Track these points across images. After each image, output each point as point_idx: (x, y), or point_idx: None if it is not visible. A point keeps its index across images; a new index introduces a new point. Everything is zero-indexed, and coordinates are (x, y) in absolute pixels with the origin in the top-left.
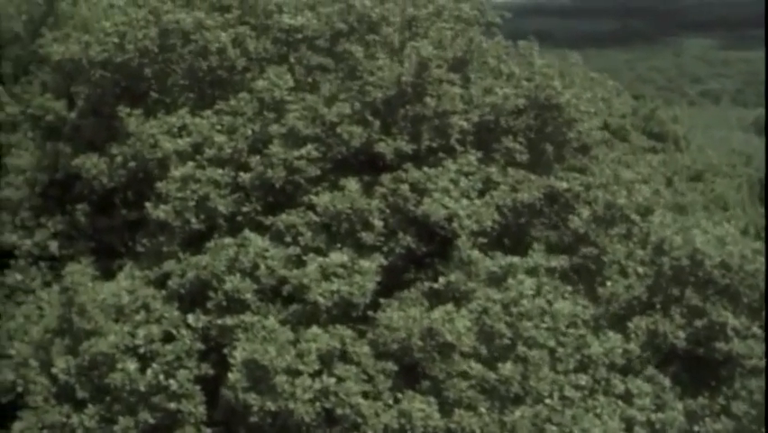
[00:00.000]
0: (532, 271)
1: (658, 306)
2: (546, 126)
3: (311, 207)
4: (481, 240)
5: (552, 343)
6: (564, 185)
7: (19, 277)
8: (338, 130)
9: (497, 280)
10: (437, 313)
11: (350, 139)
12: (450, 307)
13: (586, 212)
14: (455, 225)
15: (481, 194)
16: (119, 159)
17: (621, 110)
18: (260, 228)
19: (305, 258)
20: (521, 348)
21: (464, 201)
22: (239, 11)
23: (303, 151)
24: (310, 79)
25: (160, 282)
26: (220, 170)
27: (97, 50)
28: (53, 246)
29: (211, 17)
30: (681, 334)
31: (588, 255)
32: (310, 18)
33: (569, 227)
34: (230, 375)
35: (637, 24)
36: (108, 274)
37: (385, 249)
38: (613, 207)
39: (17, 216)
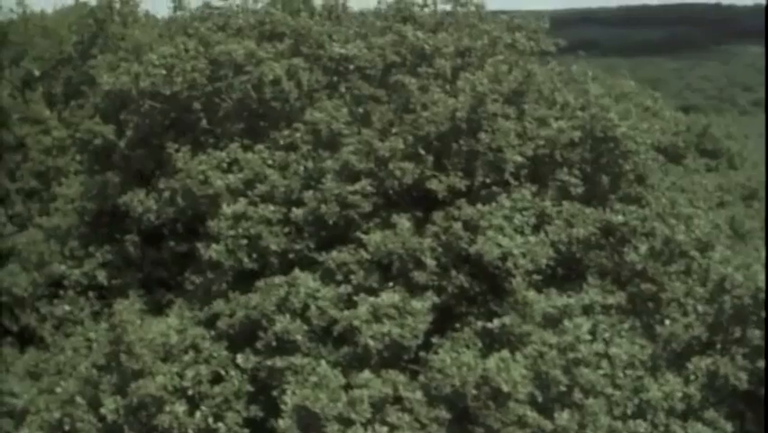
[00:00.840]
0: (587, 309)
1: (718, 345)
2: (602, 158)
3: (363, 243)
4: (536, 276)
5: (609, 389)
6: (620, 218)
7: (67, 308)
8: (390, 166)
9: (552, 322)
10: (492, 361)
11: (402, 175)
12: (505, 353)
13: (643, 247)
14: (509, 263)
15: (536, 229)
16: (167, 193)
17: (673, 127)
18: (311, 265)
19: (356, 298)
20: (577, 395)
21: (518, 238)
22: (291, 40)
23: (357, 186)
24: (362, 110)
25: (210, 322)
26: (272, 207)
27: (146, 82)
28: (102, 276)
29: (263, 48)
30: (743, 375)
31: (645, 292)
32: (362, 48)
33: (625, 262)
34: (280, 422)
35: (686, 32)
36: (157, 308)
37: (436, 286)
38: (671, 242)
39: (66, 245)
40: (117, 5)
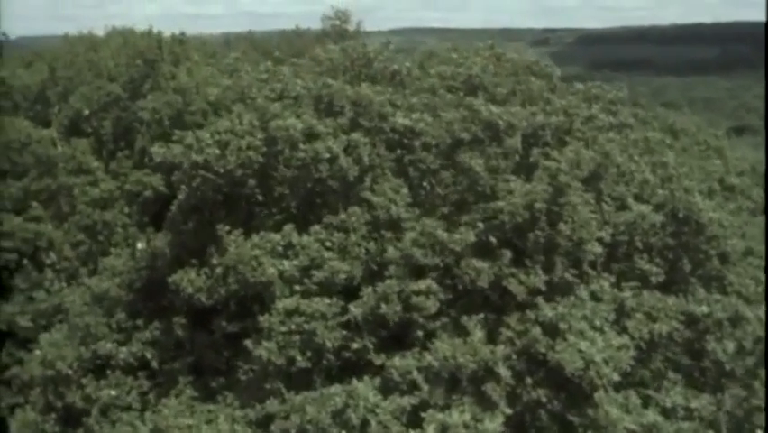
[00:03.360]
0: (669, 413)
1: None
2: (684, 242)
3: (427, 347)
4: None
5: None
6: (704, 309)
7: (114, 393)
8: (462, 263)
9: None
10: None
11: (477, 275)
12: None
13: (731, 345)
14: (592, 372)
15: (616, 323)
16: (219, 270)
17: (739, 166)
18: (369, 367)
19: (422, 414)
20: None
21: (600, 341)
22: (351, 112)
23: (422, 284)
24: (426, 184)
25: (262, 423)
26: (327, 300)
27: (199, 157)
28: (150, 354)
29: (322, 122)
30: None
31: (735, 397)
32: (430, 123)
33: (711, 360)
34: None
35: (740, 50)
36: (208, 395)
37: (510, 394)
38: (760, 342)
39: (113, 317)
40: (168, 42)
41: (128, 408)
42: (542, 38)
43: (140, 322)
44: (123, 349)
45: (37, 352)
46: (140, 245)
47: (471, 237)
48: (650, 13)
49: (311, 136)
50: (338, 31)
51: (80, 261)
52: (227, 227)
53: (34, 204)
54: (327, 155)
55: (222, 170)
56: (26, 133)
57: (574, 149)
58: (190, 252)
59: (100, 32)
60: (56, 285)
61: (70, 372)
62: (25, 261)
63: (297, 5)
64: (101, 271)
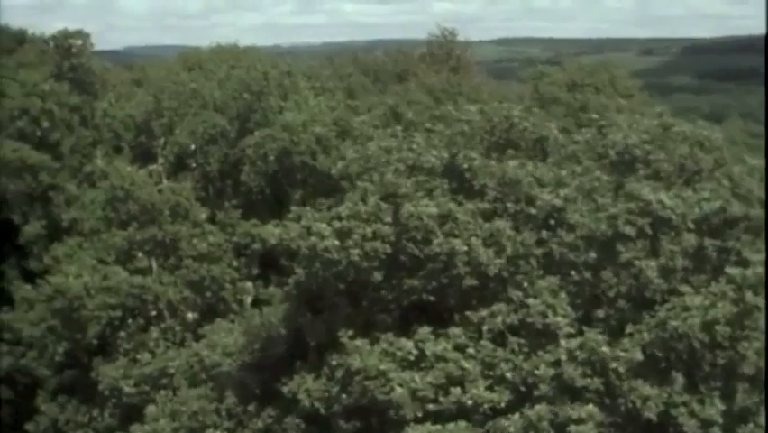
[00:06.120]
0: None
1: None
2: None
3: None
4: None
5: None
6: None
7: None
8: (624, 386)
9: None
10: None
11: (642, 404)
12: None
13: None
14: None
15: None
16: (340, 373)
17: None
18: None
19: None
20: None
21: None
22: (494, 192)
23: (582, 411)
24: (580, 280)
25: None
26: (465, 422)
27: (320, 246)
28: None
29: (462, 208)
30: None
31: None
32: (585, 213)
33: None
34: None
35: None
36: None
37: None
38: None
39: (223, 401)
40: (274, 74)
41: None
42: (646, 48)
43: (251, 408)
44: None
45: (146, 427)
46: (248, 299)
47: (638, 355)
48: (757, 22)
49: (446, 218)
50: (444, 48)
51: (186, 324)
52: (350, 332)
53: (139, 255)
54: (464, 249)
55: (344, 261)
56: (130, 179)
57: (756, 252)
58: (305, 345)
59: (205, 44)
60: (161, 347)
61: None
62: (130, 320)
63: (400, 15)
64: (208, 335)
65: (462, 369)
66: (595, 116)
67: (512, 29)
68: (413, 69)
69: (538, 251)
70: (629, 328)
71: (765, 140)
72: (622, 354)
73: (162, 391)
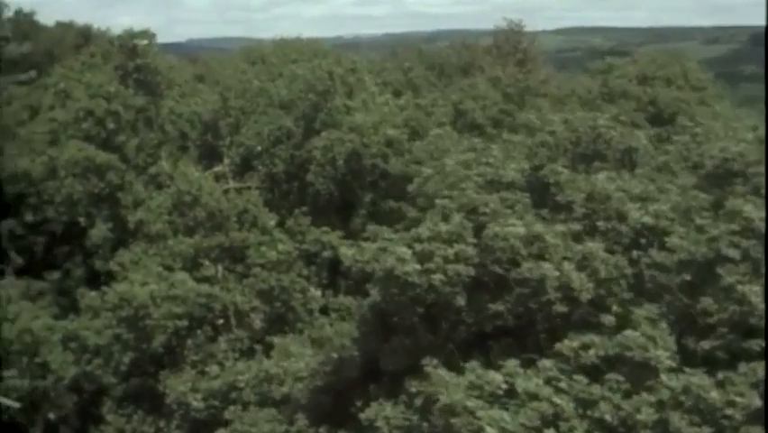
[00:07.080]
0: None
1: None
2: None
3: None
4: None
5: None
6: None
7: None
8: None
9: None
10: None
11: None
12: None
13: None
14: None
15: None
16: (419, 401)
17: None
18: None
19: None
20: None
21: None
22: (583, 208)
23: None
24: (674, 302)
25: None
26: None
27: (397, 270)
28: None
29: (550, 227)
30: None
31: None
32: (683, 235)
33: None
34: None
35: None
36: None
37: None
38: None
39: (294, 423)
40: (339, 72)
41: None
42: (712, 36)
43: (323, 431)
44: None
45: None
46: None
47: (756, 401)
48: None
49: (534, 239)
50: (511, 41)
51: (254, 331)
52: (434, 360)
53: (206, 262)
54: (557, 273)
55: (426, 287)
56: (198, 184)
57: None
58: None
59: (268, 35)
60: (230, 359)
61: None
62: (199, 331)
63: (461, 5)
64: (277, 354)
65: (555, 405)
66: (689, 123)
67: (574, 19)
68: (478, 61)
69: (629, 271)
70: (742, 367)
71: (766, 140)
72: (738, 399)
73: (231, 407)
